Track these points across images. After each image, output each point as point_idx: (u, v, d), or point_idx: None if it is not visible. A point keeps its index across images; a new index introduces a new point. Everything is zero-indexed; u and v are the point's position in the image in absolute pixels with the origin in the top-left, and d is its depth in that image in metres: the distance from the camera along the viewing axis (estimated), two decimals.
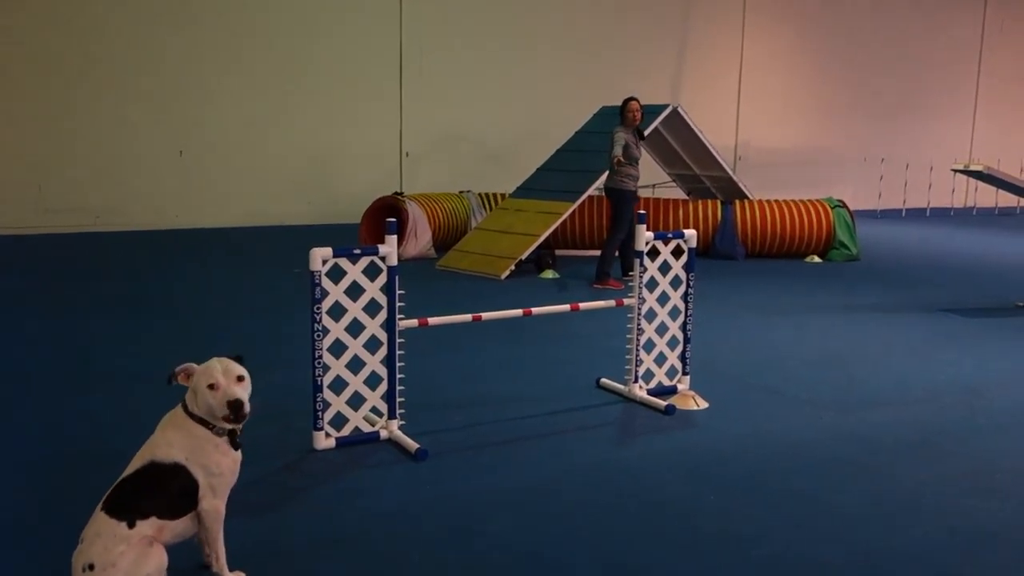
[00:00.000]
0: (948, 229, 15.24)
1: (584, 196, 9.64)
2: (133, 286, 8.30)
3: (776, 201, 11.06)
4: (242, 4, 12.97)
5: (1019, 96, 20.53)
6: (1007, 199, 18.54)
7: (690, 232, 4.99)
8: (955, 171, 7.82)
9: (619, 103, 8.68)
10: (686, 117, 10.56)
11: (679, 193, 12.50)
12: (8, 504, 3.50)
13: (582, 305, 4.95)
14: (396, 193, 11.01)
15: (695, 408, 4.85)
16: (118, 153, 12.47)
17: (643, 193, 11.77)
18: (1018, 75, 20.42)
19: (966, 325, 7.20)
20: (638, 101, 8.47)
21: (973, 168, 7.53)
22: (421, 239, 10.27)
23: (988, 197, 18.60)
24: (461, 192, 11.74)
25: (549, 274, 9.23)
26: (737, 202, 10.98)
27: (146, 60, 12.49)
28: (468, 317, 4.55)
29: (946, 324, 7.22)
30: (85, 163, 12.25)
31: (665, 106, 10.36)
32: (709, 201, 11.07)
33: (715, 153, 11.05)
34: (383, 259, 4.12)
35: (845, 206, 11.07)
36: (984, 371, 5.77)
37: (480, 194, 11.82)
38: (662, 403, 4.80)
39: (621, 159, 8.14)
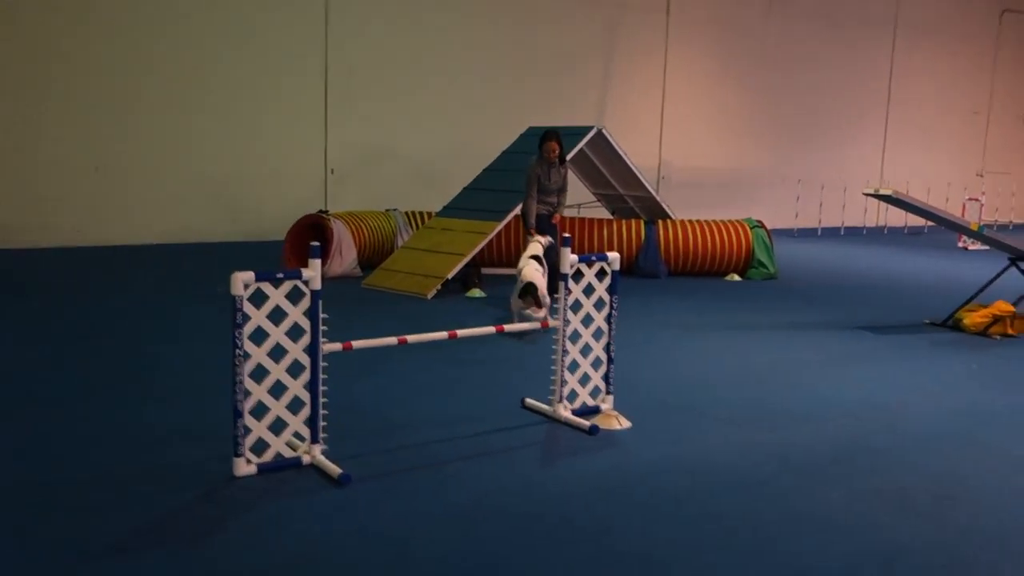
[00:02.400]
0: (861, 248, 15.78)
1: (510, 215, 9.70)
2: (44, 307, 8.03)
3: (698, 221, 11.31)
4: (164, 16, 12.72)
5: (926, 121, 21.43)
6: (916, 219, 19.30)
7: (613, 255, 5.08)
8: (866, 195, 8.12)
9: (546, 124, 8.82)
10: (610, 139, 10.74)
11: (604, 213, 12.68)
12: None
13: (507, 327, 4.98)
14: (321, 211, 10.91)
15: (618, 428, 4.92)
16: (30, 168, 12.07)
17: (569, 213, 11.94)
18: (925, 100, 21.32)
19: (878, 343, 7.47)
20: (558, 141, 8.39)
21: (883, 192, 7.82)
22: (346, 258, 10.19)
23: (898, 217, 19.32)
24: (387, 210, 11.70)
25: (476, 293, 9.26)
26: (660, 222, 11.19)
27: (60, 71, 12.14)
28: (393, 340, 4.53)
29: (860, 342, 7.48)
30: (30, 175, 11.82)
31: (590, 128, 10.52)
32: (633, 220, 11.26)
33: (638, 174, 11.25)
34: (306, 283, 4.08)
35: (763, 226, 11.38)
36: (896, 388, 5.99)
37: (406, 213, 11.80)
38: (586, 423, 4.86)
39: (532, 231, 8.33)
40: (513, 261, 10.79)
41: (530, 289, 7.20)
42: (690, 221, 11.29)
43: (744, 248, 11.14)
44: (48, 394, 5.30)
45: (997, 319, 7.83)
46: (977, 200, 17.44)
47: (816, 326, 8.12)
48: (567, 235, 5.11)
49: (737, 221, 11.39)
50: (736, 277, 11.10)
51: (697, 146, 18.06)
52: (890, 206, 9.55)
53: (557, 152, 8.43)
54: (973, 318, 7.91)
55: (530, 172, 8.52)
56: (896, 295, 10.26)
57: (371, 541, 3.45)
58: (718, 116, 18.40)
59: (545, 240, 7.98)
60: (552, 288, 8.05)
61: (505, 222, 9.69)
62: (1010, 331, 7.79)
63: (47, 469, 4.11)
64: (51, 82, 12.10)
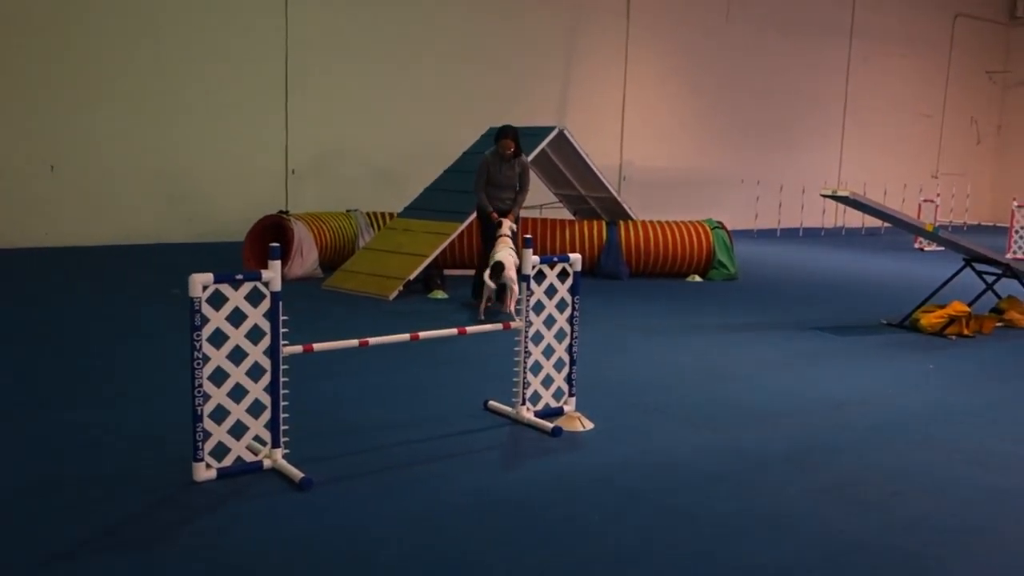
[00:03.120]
0: (819, 249, 16.00)
1: (472, 216, 9.67)
2: None
3: (659, 222, 11.38)
4: (122, 12, 12.51)
5: (881, 123, 21.80)
6: (873, 220, 19.61)
7: (575, 256, 5.09)
8: (824, 196, 8.23)
9: (508, 122, 8.79)
10: (571, 139, 10.77)
11: (565, 213, 12.72)
12: None
13: (469, 329, 4.98)
14: (281, 212, 10.81)
15: (581, 429, 4.93)
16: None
17: (529, 213, 11.95)
18: (880, 104, 21.69)
19: (836, 342, 7.57)
20: (513, 138, 8.44)
21: (840, 193, 7.93)
22: (307, 259, 10.11)
23: (856, 218, 19.62)
24: (348, 211, 11.62)
25: (438, 294, 9.23)
26: (622, 222, 11.24)
27: (12, 68, 11.89)
28: (355, 342, 4.50)
29: (817, 341, 7.58)
30: None
31: (551, 128, 10.54)
32: (595, 221, 11.30)
33: (600, 175, 11.30)
34: (266, 284, 4.04)
35: (724, 227, 11.49)
36: (851, 387, 6.07)
37: (368, 213, 11.73)
38: (549, 425, 4.87)
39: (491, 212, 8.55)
40: (475, 263, 10.79)
41: (497, 269, 7.64)
42: (651, 222, 11.36)
43: (705, 249, 11.23)
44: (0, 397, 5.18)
45: (953, 319, 7.98)
46: (932, 201, 17.76)
47: (775, 326, 8.21)
48: (528, 236, 5.11)
49: (698, 222, 11.49)
50: (697, 278, 11.19)
51: (658, 147, 18.20)
52: (848, 207, 9.69)
53: (512, 149, 8.44)
54: (929, 319, 8.05)
55: (480, 163, 8.62)
56: (853, 296, 10.42)
57: (333, 545, 3.42)
58: (679, 117, 18.55)
59: (508, 222, 8.30)
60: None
61: (467, 223, 9.66)
62: (965, 331, 7.94)
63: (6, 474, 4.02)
64: (3, 80, 11.85)
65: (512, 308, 7.70)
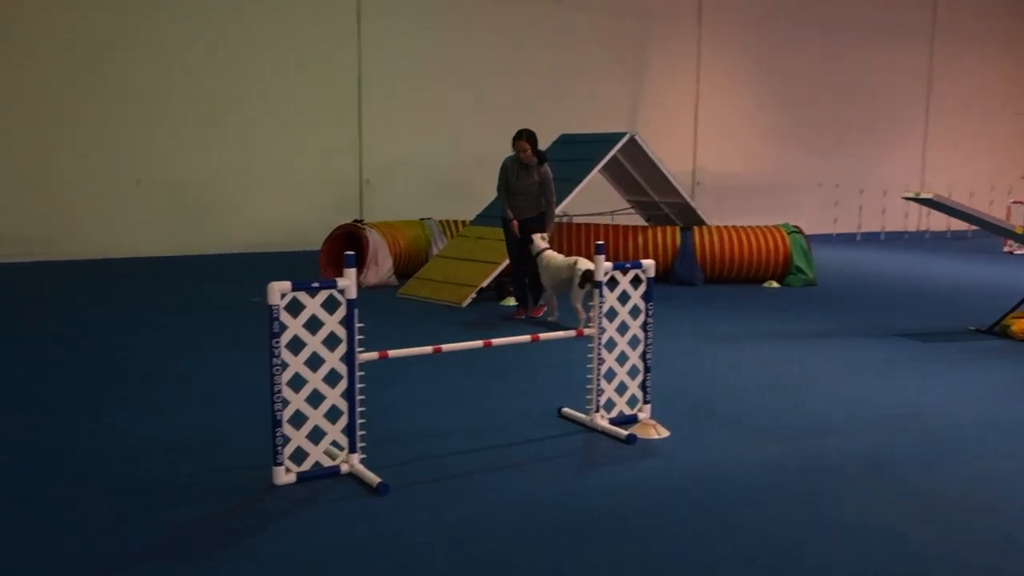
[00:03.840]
0: (902, 253, 15.55)
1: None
2: (78, 320, 8.17)
3: (734, 227, 11.21)
4: (198, 31, 12.91)
5: (968, 123, 21.08)
6: (959, 223, 18.98)
7: (648, 262, 5.04)
8: (906, 199, 7.99)
9: (579, 130, 8.78)
10: (643, 145, 10.69)
11: (638, 220, 12.63)
12: None
13: (542, 335, 4.97)
14: (356, 221, 10.98)
15: (655, 437, 4.88)
16: (64, 182, 12.30)
17: (602, 220, 11.90)
18: (965, 104, 20.98)
19: (919, 350, 7.34)
20: (528, 140, 8.09)
21: (923, 196, 7.70)
22: (382, 267, 10.25)
23: (941, 221, 19.01)
24: (422, 219, 11.74)
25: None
26: (696, 228, 11.11)
27: (93, 86, 12.36)
28: (429, 349, 4.54)
29: (899, 348, 7.35)
30: (24, 191, 12.06)
31: (623, 134, 10.48)
32: (668, 227, 11.19)
33: (672, 180, 11.19)
34: (342, 292, 4.11)
35: (801, 231, 11.26)
36: (935, 396, 5.87)
37: (441, 221, 11.83)
38: (623, 432, 4.83)
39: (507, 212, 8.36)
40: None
41: (588, 276, 7.45)
42: (726, 227, 11.20)
43: (782, 254, 11.02)
44: (85, 405, 5.37)
45: None
46: (1022, 203, 17.09)
47: (855, 332, 8.00)
48: (600, 242, 5.08)
49: (774, 227, 11.28)
50: (774, 284, 10.98)
51: (732, 151, 17.93)
52: (932, 210, 9.39)
53: (529, 152, 8.09)
54: (1021, 324, 7.74)
55: (500, 167, 8.35)
56: (938, 301, 10.09)
57: (409, 550, 3.45)
58: (754, 121, 18.25)
59: (538, 237, 8.08)
60: (534, 297, 8.41)
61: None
62: None
63: (84, 478, 4.16)
64: (93, 99, 12.33)
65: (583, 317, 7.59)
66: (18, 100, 11.89)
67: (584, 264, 7.66)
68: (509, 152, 8.26)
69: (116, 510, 3.78)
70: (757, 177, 18.23)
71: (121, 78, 12.49)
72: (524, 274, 8.41)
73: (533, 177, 8.19)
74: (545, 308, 8.35)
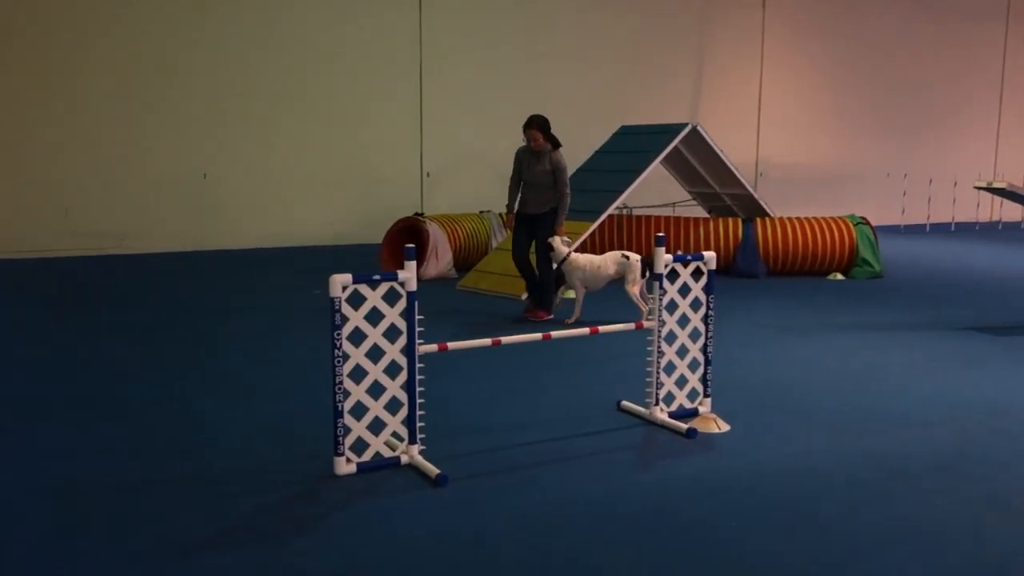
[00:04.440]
0: (973, 245, 15.09)
1: (604, 215, 9.65)
2: (147, 309, 8.38)
3: (798, 218, 11.00)
4: (262, 27, 13.12)
5: None
6: None
7: (709, 254, 4.98)
8: (978, 188, 7.75)
9: (639, 122, 8.68)
10: (705, 135, 10.55)
11: (700, 211, 12.48)
12: (23, 531, 3.53)
13: (602, 328, 4.94)
14: (416, 214, 11.07)
15: (716, 431, 4.83)
16: (143, 177, 12.63)
17: (662, 211, 11.79)
18: None
19: (991, 344, 7.12)
20: (538, 127, 7.52)
21: (996, 185, 7.46)
22: (442, 260, 10.31)
23: (1014, 211, 18.42)
24: (481, 212, 11.78)
25: (570, 293, 9.20)
26: (758, 219, 10.93)
27: (171, 84, 12.66)
28: (488, 341, 4.55)
29: (971, 343, 7.14)
30: (110, 187, 12.42)
31: (684, 125, 10.36)
32: (730, 219, 11.04)
33: (735, 171, 11.03)
34: (402, 284, 4.14)
35: (867, 223, 11.00)
36: (1008, 392, 5.69)
37: (500, 214, 11.85)
38: (683, 426, 4.78)
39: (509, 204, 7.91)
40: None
41: (648, 264, 7.44)
42: (790, 219, 11.00)
43: (847, 246, 10.79)
44: (150, 393, 5.51)
45: None
46: None
47: (924, 326, 7.79)
48: (660, 234, 5.03)
49: (840, 218, 11.04)
50: (839, 276, 10.76)
51: (797, 141, 17.61)
52: (1005, 200, 9.10)
53: (540, 140, 7.50)
54: None
55: (515, 157, 7.81)
56: (1012, 294, 9.77)
57: (463, 542, 3.47)
58: (819, 110, 17.89)
59: (558, 240, 7.61)
60: (546, 301, 7.92)
61: (599, 222, 9.63)
62: None
63: (148, 466, 4.27)
64: (167, 98, 12.63)
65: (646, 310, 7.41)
66: (102, 106, 12.24)
67: (634, 255, 7.64)
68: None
69: (191, 496, 3.87)
70: (822, 168, 17.88)
71: (187, 78, 12.76)
72: (532, 274, 7.92)
73: (544, 165, 7.59)
74: (550, 314, 7.91)
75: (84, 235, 12.26)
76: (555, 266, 7.75)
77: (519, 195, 7.83)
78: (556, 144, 7.63)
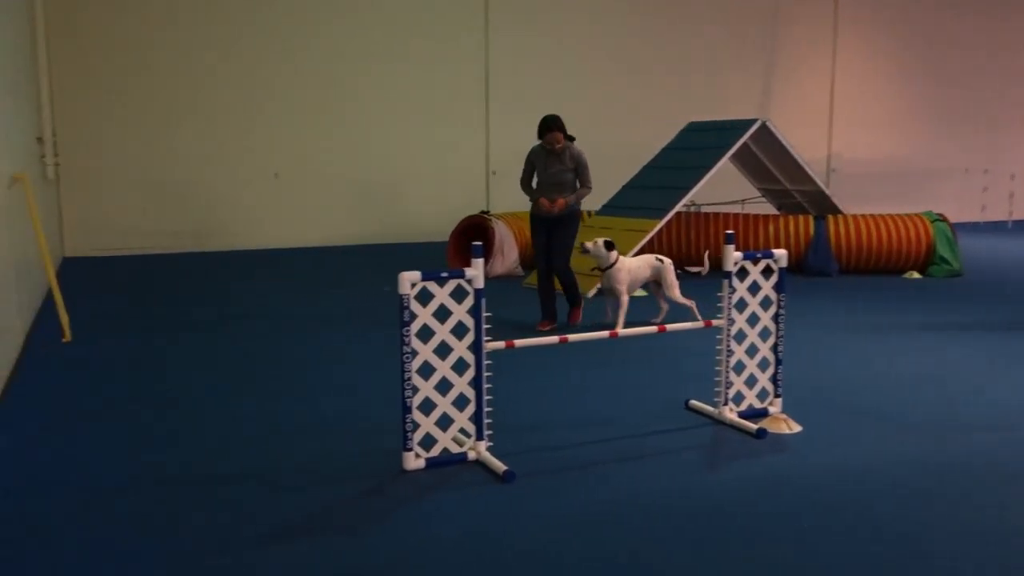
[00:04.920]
0: None
1: (671, 213, 9.56)
2: (229, 305, 8.58)
3: (872, 215, 10.74)
4: (330, 26, 13.33)
5: None
6: None
7: (780, 252, 4.90)
8: None
9: (708, 117, 8.55)
10: (775, 131, 10.38)
11: (770, 208, 12.28)
12: (112, 517, 3.65)
13: (669, 326, 4.90)
14: (483, 212, 11.12)
15: (787, 432, 4.75)
16: (218, 176, 12.95)
17: (731, 209, 11.62)
18: None
19: None
20: (559, 129, 7.16)
21: None
22: (508, 257, 10.34)
23: None
24: None
25: (637, 292, 9.15)
26: (830, 217, 10.71)
27: (239, 85, 12.95)
28: (555, 339, 4.56)
29: None
30: (187, 187, 12.76)
31: (753, 121, 10.21)
32: (801, 216, 10.83)
33: (806, 167, 10.82)
34: (470, 282, 4.17)
35: (946, 219, 10.69)
36: None
37: None
38: (753, 426, 4.72)
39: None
40: (674, 259, 10.64)
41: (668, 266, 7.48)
42: (863, 216, 10.74)
43: (924, 243, 10.50)
44: (215, 387, 5.65)
45: None
46: None
47: (1003, 327, 7.54)
48: (730, 231, 4.96)
49: (916, 215, 10.75)
50: (916, 275, 10.47)
51: (870, 136, 17.19)
52: None
53: (562, 141, 7.15)
54: None
55: (526, 158, 7.45)
56: None
57: (531, 539, 3.48)
58: (894, 103, 17.44)
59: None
60: (572, 299, 7.60)
61: (666, 220, 9.55)
62: None
63: (216, 459, 4.39)
64: (231, 96, 12.93)
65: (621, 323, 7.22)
66: (175, 115, 12.60)
67: (664, 258, 7.58)
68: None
69: (265, 488, 3.97)
70: (897, 163, 17.42)
71: (261, 78, 13.03)
72: (553, 292, 7.53)
73: (565, 163, 7.19)
74: (552, 325, 7.49)
75: (162, 234, 12.63)
76: (597, 270, 7.45)
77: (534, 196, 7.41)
78: (570, 139, 7.28)
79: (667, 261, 7.51)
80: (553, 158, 7.19)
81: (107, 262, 11.68)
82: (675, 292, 7.43)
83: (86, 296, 8.91)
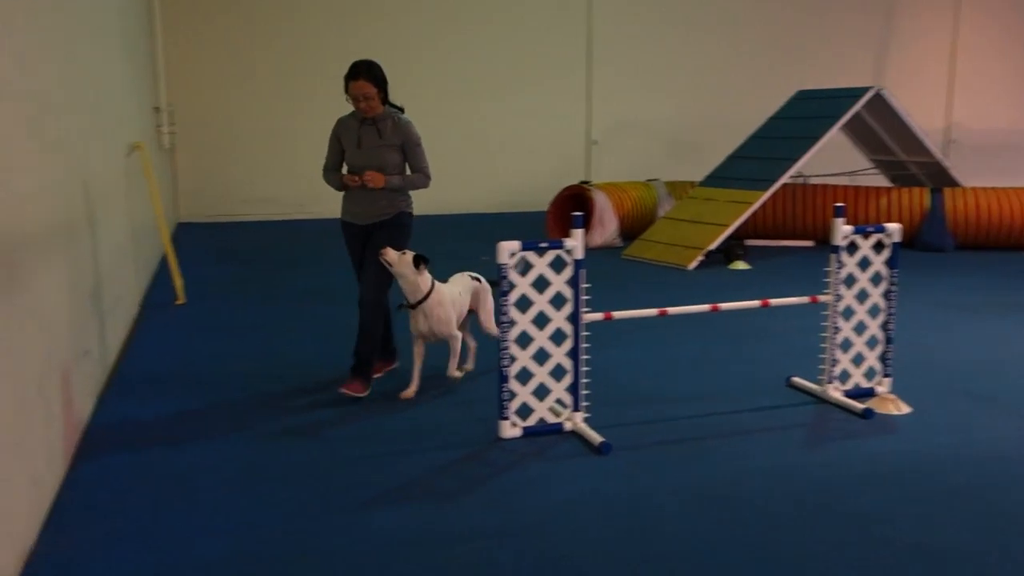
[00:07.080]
0: None
1: (777, 184, 9.29)
2: (314, 273, 8.78)
3: (993, 189, 10.20)
4: (436, 5, 13.38)
5: None
6: None
7: (893, 226, 4.70)
8: None
9: (816, 86, 8.22)
10: (890, 100, 9.93)
11: (883, 181, 11.79)
12: (217, 474, 3.80)
13: (773, 301, 4.77)
14: (583, 182, 11.04)
15: (895, 413, 4.58)
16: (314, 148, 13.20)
17: (839, 180, 11.21)
18: None
19: None
20: (366, 78, 4.83)
21: None
22: (607, 228, 10.25)
23: None
24: (648, 181, 11.60)
25: (739, 265, 8.96)
26: (947, 190, 10.21)
27: (354, 57, 13.12)
28: (654, 311, 4.50)
29: None
30: (290, 157, 13.08)
31: (866, 89, 9.79)
32: (916, 189, 10.36)
33: (922, 138, 10.34)
34: (569, 252, 4.14)
35: None
36: None
37: (668, 183, 11.64)
38: (859, 406, 4.57)
39: None
40: (779, 232, 10.37)
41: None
42: (983, 189, 10.21)
43: None
44: (321, 352, 5.79)
45: None
46: None
47: None
48: (840, 204, 4.77)
49: None
50: None
51: (994, 104, 16.26)
52: None
53: (375, 101, 4.80)
54: None
55: (332, 132, 5.09)
56: None
57: (626, 512, 3.46)
58: (1021, 71, 16.44)
59: (395, 254, 4.77)
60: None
61: (771, 191, 9.29)
62: None
63: (321, 422, 4.50)
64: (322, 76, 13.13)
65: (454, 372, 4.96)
66: (288, 88, 12.90)
67: (479, 276, 5.29)
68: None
69: (365, 454, 4.06)
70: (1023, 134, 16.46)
71: (362, 51, 13.19)
72: (380, 329, 5.03)
73: (386, 136, 4.88)
74: (394, 365, 5.39)
75: (265, 201, 13.00)
76: (403, 307, 4.88)
77: (343, 193, 5.07)
78: (397, 108, 5.04)
79: (484, 280, 5.24)
80: (368, 129, 4.87)
81: (219, 228, 12.10)
82: (492, 321, 5.13)
83: (199, 261, 9.25)
